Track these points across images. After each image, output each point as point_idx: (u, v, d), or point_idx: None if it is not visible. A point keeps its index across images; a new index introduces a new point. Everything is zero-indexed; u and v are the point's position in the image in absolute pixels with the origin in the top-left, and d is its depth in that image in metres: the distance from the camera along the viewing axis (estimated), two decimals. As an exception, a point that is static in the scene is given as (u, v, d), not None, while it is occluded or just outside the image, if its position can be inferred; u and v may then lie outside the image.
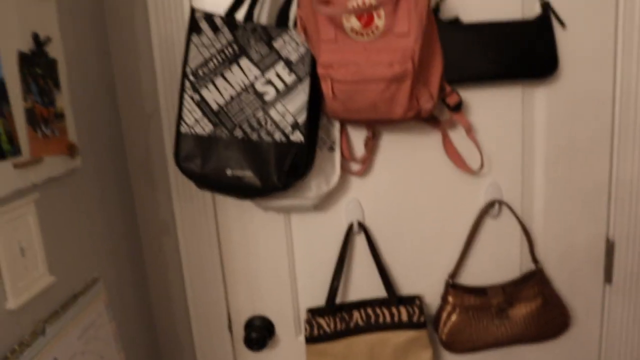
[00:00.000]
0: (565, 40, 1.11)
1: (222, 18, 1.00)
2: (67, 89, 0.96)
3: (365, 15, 0.92)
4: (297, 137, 0.99)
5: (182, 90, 1.00)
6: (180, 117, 1.00)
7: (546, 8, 1.08)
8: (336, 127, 1.11)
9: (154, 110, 1.16)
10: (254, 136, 1.00)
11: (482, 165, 1.14)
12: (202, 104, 1.00)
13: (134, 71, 1.15)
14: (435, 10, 1.06)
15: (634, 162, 1.15)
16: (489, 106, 1.14)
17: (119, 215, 1.15)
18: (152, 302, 1.28)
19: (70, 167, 0.96)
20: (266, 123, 1.00)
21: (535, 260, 1.19)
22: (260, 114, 1.00)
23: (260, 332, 1.24)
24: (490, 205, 1.18)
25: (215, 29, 1.00)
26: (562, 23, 1.10)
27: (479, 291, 1.18)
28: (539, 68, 1.07)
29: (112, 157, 1.13)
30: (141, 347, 1.22)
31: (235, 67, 1.00)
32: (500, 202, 1.18)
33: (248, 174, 0.99)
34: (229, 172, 1.00)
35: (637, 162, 1.15)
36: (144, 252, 1.25)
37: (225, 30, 1.00)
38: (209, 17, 1.00)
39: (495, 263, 1.22)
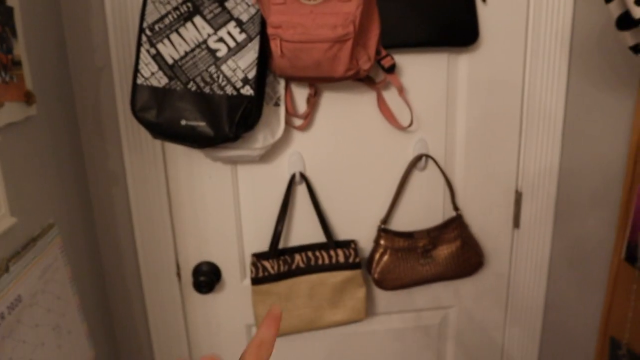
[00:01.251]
0: (486, 14, 1.25)
1: (176, -24, 1.06)
2: (22, 37, 0.99)
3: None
4: (247, 91, 1.07)
5: (139, 43, 1.06)
6: (136, 69, 1.06)
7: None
8: (281, 84, 1.20)
9: (105, 63, 1.20)
10: (207, 89, 1.07)
11: (411, 123, 1.27)
12: (158, 58, 1.06)
13: (86, 23, 1.18)
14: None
15: (539, 126, 1.33)
16: (419, 69, 1.27)
17: (70, 165, 1.19)
18: (102, 250, 1.34)
19: (27, 114, 1.00)
20: (218, 77, 1.07)
21: (456, 207, 1.36)
22: (212, 69, 1.07)
23: (208, 276, 1.33)
24: (417, 159, 1.32)
25: (170, -14, 1.06)
26: (483, -2, 1.24)
27: (407, 235, 1.33)
28: (462, 37, 1.21)
29: (63, 107, 1.16)
30: (92, 292, 1.28)
31: (189, 24, 1.07)
32: (427, 156, 1.32)
33: (201, 124, 1.07)
34: (183, 122, 1.07)
35: (542, 126, 1.33)
36: (94, 201, 1.30)
37: (178, -13, 1.06)
38: (164, -25, 1.06)
39: (422, 210, 1.38)
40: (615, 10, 0.87)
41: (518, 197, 1.40)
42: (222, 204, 1.32)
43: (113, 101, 1.22)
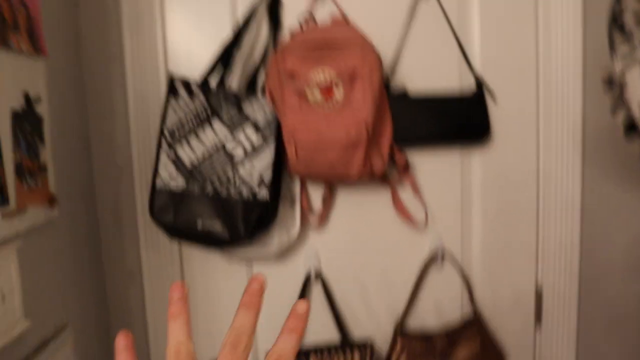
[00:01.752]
0: (497, 112, 1.28)
1: (197, 84, 1.12)
2: (50, 144, 1.03)
3: (326, 89, 1.05)
4: (263, 193, 1.09)
5: (159, 147, 1.09)
6: (156, 172, 1.09)
7: (480, 84, 1.25)
8: (297, 184, 1.22)
9: (126, 164, 1.24)
10: (224, 192, 1.09)
11: (426, 221, 1.27)
12: (177, 161, 1.09)
13: (110, 126, 1.23)
14: (387, 84, 1.20)
15: (557, 221, 1.31)
16: (433, 168, 1.28)
17: (88, 264, 1.20)
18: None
19: (49, 216, 1.02)
20: (235, 180, 1.10)
21: (474, 307, 1.32)
22: (229, 172, 1.10)
23: (220, 378, 1.29)
24: (434, 256, 1.30)
25: (191, 93, 1.11)
26: (493, 99, 1.27)
27: (425, 337, 1.29)
28: (475, 135, 1.23)
29: (84, 208, 1.19)
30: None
31: (208, 128, 1.11)
32: (443, 254, 1.31)
33: (217, 227, 1.08)
34: (199, 224, 1.08)
35: (559, 221, 1.31)
36: (110, 299, 1.29)
37: (200, 94, 1.11)
38: (186, 83, 1.11)
39: (439, 309, 1.34)
40: (620, 120, 0.88)
41: (539, 294, 1.36)
42: (237, 302, 1.30)
43: (133, 200, 1.25)
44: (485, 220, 1.32)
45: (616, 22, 0.88)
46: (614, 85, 0.88)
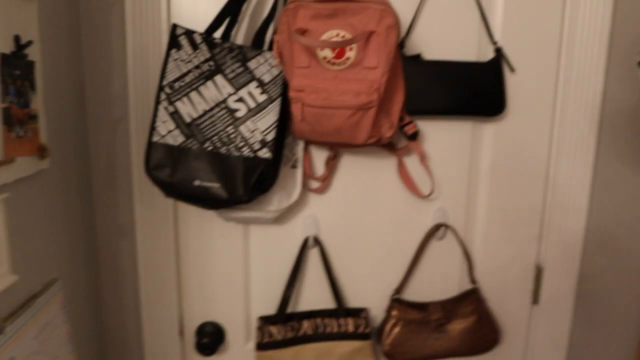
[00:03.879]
0: (514, 84, 1.23)
1: (201, 35, 1.05)
2: (41, 91, 0.98)
3: (339, 49, 0.99)
4: (265, 153, 1.04)
5: (157, 101, 1.04)
6: (153, 127, 1.04)
7: (498, 52, 1.19)
8: (300, 146, 1.17)
9: (122, 116, 1.19)
10: (223, 150, 1.04)
11: (431, 191, 1.23)
12: (176, 116, 1.04)
13: (106, 76, 1.17)
14: (400, 46, 1.14)
15: (564, 202, 1.28)
16: (442, 137, 1.24)
17: (79, 218, 1.16)
18: (105, 305, 1.29)
19: (39, 168, 0.98)
20: (236, 138, 1.05)
21: (473, 280, 1.30)
22: (230, 129, 1.05)
23: (211, 338, 1.27)
24: (436, 228, 1.27)
25: (194, 45, 1.04)
26: (511, 68, 1.21)
27: (421, 306, 1.27)
28: (489, 107, 1.18)
29: (77, 159, 1.14)
30: (91, 349, 1.23)
31: (210, 83, 1.05)
32: (446, 226, 1.28)
33: (215, 186, 1.04)
34: (197, 182, 1.04)
35: (567, 202, 1.28)
36: (101, 254, 1.26)
37: (204, 47, 1.05)
38: (189, 34, 1.04)
39: (438, 281, 1.32)
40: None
41: (538, 273, 1.34)
42: (231, 264, 1.27)
43: (128, 154, 1.20)
44: (491, 195, 1.28)
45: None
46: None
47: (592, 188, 1.28)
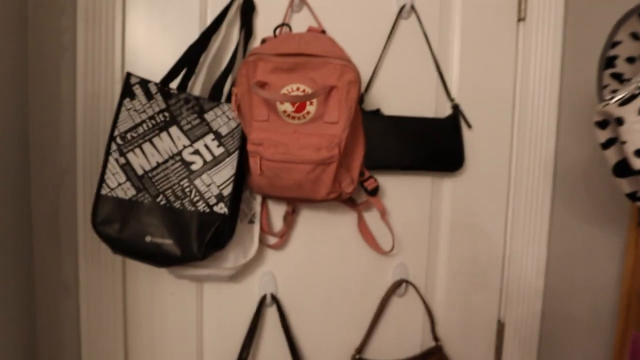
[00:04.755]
0: (470, 140, 1.24)
1: (156, 85, 1.01)
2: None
3: (300, 101, 0.97)
4: (221, 209, 1.00)
5: (108, 152, 0.98)
6: (102, 179, 0.98)
7: (456, 109, 1.20)
8: (257, 200, 1.13)
9: (69, 165, 1.12)
10: (177, 204, 0.99)
11: (392, 247, 1.20)
12: (127, 168, 0.99)
13: (54, 122, 1.11)
14: (360, 101, 1.14)
15: (522, 255, 1.28)
16: (402, 192, 1.22)
17: (14, 274, 1.07)
18: (41, 370, 1.19)
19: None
20: (191, 192, 1.00)
21: (435, 337, 1.26)
22: (185, 183, 1.00)
23: (158, 405, 1.18)
24: (397, 284, 1.24)
25: (148, 95, 1.01)
26: (468, 124, 1.22)
27: (383, 368, 1.22)
28: (448, 163, 1.18)
29: (14, 210, 1.06)
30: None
31: (164, 135, 1.01)
32: (407, 282, 1.25)
33: (167, 242, 0.98)
34: (148, 238, 0.98)
35: (525, 255, 1.28)
36: (39, 315, 1.16)
37: (159, 97, 1.01)
38: (143, 83, 1.01)
39: (400, 338, 1.28)
40: (612, 157, 0.85)
41: (500, 328, 1.32)
42: (183, 324, 1.20)
43: (74, 206, 1.13)
44: (451, 250, 1.27)
45: (609, 67, 0.85)
46: (609, 126, 0.84)
47: (548, 244, 1.28)
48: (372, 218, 1.21)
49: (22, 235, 1.10)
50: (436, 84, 1.22)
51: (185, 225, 0.99)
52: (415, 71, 1.21)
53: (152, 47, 1.13)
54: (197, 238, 0.99)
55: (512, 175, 1.28)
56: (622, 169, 0.83)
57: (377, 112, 1.16)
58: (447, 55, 1.23)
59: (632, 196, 0.86)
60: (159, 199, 0.99)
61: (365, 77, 1.18)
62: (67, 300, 1.16)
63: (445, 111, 1.23)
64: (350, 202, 1.17)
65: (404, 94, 1.21)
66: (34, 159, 1.12)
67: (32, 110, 1.11)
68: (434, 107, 1.22)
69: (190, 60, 1.06)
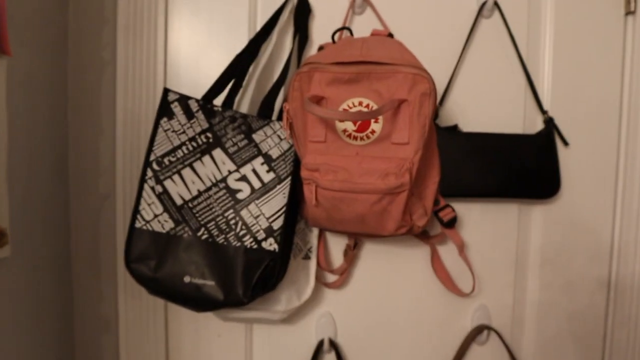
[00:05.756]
0: (567, 158, 1.04)
1: (198, 102, 0.89)
2: (4, 163, 0.81)
3: (362, 118, 0.81)
4: (271, 245, 0.85)
5: (143, 179, 0.86)
6: (136, 210, 0.86)
7: (549, 123, 1.00)
8: (314, 233, 0.98)
9: (109, 192, 1.02)
10: (221, 239, 0.86)
11: (473, 288, 1.01)
12: (164, 197, 0.86)
13: (93, 145, 1.01)
14: (434, 116, 0.97)
15: (632, 302, 1.05)
16: (483, 223, 1.04)
17: (53, 312, 0.97)
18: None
19: (-3, 257, 0.80)
20: (236, 225, 0.86)
21: (523, 396, 1.06)
22: (230, 214, 0.86)
23: None
24: (477, 331, 1.05)
25: (189, 113, 0.88)
26: (564, 141, 1.02)
27: None
28: (540, 188, 0.99)
29: (50, 244, 0.97)
30: None
31: (207, 159, 0.88)
32: (489, 328, 1.05)
33: (209, 283, 0.85)
34: (187, 279, 0.85)
35: (635, 302, 1.05)
36: (77, 352, 1.06)
37: (201, 116, 0.88)
38: (183, 100, 0.88)
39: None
40: None
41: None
42: (230, 368, 1.06)
43: (113, 236, 1.03)
44: (543, 292, 1.07)
45: None
46: None
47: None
48: (448, 253, 1.03)
49: (61, 266, 1.00)
50: (524, 94, 1.03)
51: (230, 264, 0.85)
52: (499, 79, 1.03)
53: (196, 59, 1.01)
54: (243, 279, 0.85)
55: (618, 202, 1.06)
56: None
57: (454, 129, 0.99)
58: (538, 58, 1.03)
59: None
60: (200, 233, 0.86)
61: (440, 87, 1.01)
62: (107, 336, 1.06)
63: (536, 126, 1.03)
64: (423, 234, 1.00)
65: (486, 107, 1.03)
66: (73, 183, 1.02)
67: (72, 132, 1.01)
68: (522, 122, 1.03)
69: (237, 72, 0.92)
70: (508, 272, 1.06)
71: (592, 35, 1.03)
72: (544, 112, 1.02)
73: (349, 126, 0.83)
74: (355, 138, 0.83)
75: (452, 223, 0.95)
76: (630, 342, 1.07)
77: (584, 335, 1.08)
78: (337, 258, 1.03)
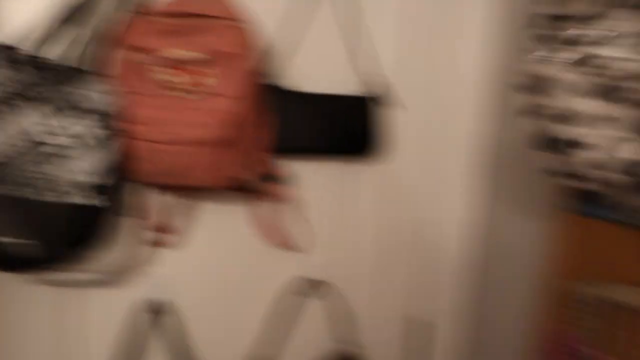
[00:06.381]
0: (403, 122, 1.13)
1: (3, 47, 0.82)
2: None
3: (186, 71, 0.81)
4: (94, 199, 0.82)
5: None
6: None
7: (381, 87, 1.08)
8: (143, 190, 0.96)
9: None
10: (37, 195, 0.81)
11: (306, 242, 1.06)
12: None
13: None
14: (267, 74, 0.99)
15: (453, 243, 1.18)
16: (314, 179, 1.09)
17: None
18: None
19: None
20: (57, 181, 0.82)
21: (353, 342, 1.14)
22: (48, 169, 0.82)
23: None
24: (312, 284, 1.11)
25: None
26: (399, 104, 1.11)
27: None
28: (367, 147, 1.06)
29: None
30: None
31: (20, 111, 0.82)
32: (323, 282, 1.12)
33: (26, 242, 0.80)
34: (2, 238, 0.79)
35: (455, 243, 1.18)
36: None
37: (3, 64, 0.82)
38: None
39: (313, 344, 1.14)
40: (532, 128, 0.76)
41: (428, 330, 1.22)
42: (42, 338, 0.98)
43: None
44: (375, 243, 1.15)
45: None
46: (534, 91, 0.74)
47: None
48: (284, 210, 1.07)
49: None
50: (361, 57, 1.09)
51: (49, 221, 0.81)
52: (338, 41, 1.07)
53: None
54: (65, 236, 0.81)
55: (442, 164, 1.17)
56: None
57: (286, 91, 1.01)
58: (382, 22, 1.10)
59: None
60: (12, 190, 0.80)
61: (279, 48, 1.03)
62: None
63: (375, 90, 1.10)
64: (255, 192, 1.02)
65: (324, 68, 1.07)
66: None
67: None
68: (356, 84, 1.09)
69: (55, 18, 0.87)
70: (340, 225, 1.12)
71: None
72: (378, 76, 1.09)
73: (172, 78, 0.83)
74: (180, 90, 0.83)
75: (284, 179, 0.98)
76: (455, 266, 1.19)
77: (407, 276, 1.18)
78: (167, 217, 1.01)
